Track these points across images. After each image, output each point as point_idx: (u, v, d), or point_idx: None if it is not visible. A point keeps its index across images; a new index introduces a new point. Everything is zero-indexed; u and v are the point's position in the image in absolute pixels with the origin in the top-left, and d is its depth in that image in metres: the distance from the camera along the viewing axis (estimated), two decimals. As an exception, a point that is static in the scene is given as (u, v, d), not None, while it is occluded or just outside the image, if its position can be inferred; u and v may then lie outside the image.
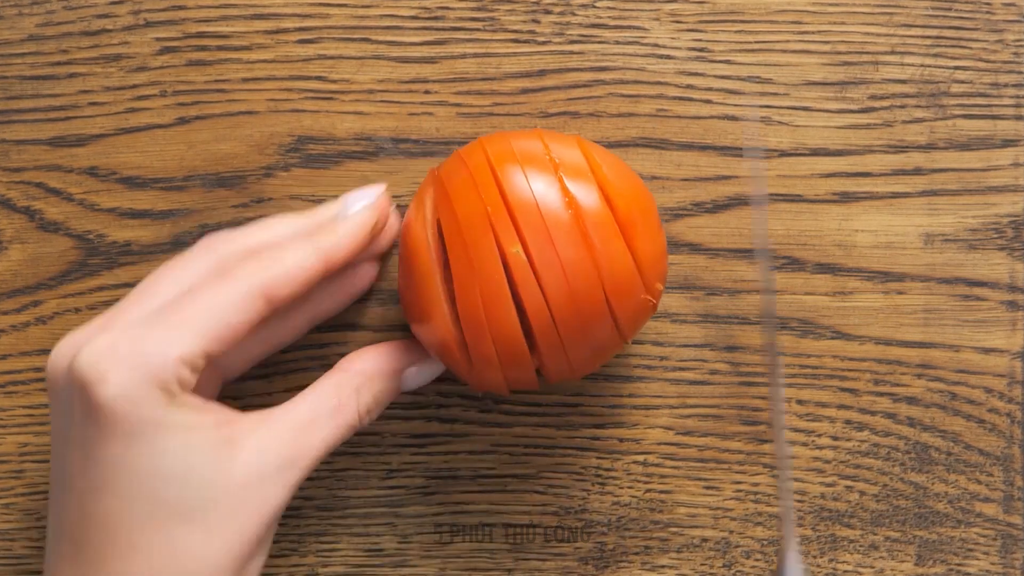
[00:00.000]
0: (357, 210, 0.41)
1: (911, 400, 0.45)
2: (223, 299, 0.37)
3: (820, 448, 0.45)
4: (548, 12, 0.44)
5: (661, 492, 0.45)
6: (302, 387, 0.45)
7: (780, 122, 0.45)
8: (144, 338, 0.36)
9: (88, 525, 0.36)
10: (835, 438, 0.45)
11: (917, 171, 0.45)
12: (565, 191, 0.38)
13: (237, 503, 0.37)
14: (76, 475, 0.36)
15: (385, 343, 0.42)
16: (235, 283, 0.38)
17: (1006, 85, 0.45)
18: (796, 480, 0.45)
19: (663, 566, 0.45)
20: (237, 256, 0.39)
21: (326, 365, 0.45)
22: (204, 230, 0.44)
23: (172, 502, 0.36)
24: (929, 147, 0.45)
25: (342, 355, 0.45)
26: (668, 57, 0.45)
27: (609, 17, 0.44)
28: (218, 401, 0.41)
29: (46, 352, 0.45)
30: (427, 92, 0.45)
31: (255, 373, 0.45)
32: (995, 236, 0.45)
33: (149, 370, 0.36)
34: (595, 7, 0.44)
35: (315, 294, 0.43)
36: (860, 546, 0.45)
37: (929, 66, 0.45)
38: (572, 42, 0.44)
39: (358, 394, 0.40)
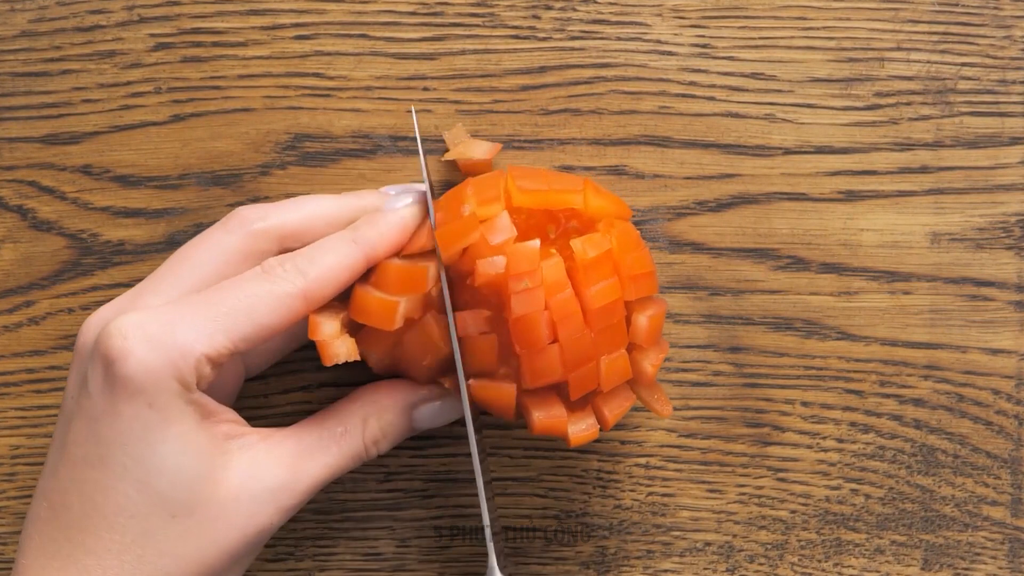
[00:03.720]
0: (406, 205, 0.40)
1: (917, 402, 0.45)
2: (260, 300, 0.37)
3: (825, 451, 0.45)
4: (549, 8, 0.44)
5: (663, 495, 0.45)
6: (298, 387, 0.44)
7: (784, 119, 0.44)
8: (174, 324, 0.36)
9: (72, 493, 0.36)
10: (840, 440, 0.45)
11: (923, 169, 0.45)
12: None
13: (220, 514, 0.37)
14: (76, 443, 0.36)
15: (400, 379, 0.41)
16: (274, 284, 0.37)
17: (1014, 82, 0.44)
18: (801, 483, 0.45)
19: (666, 570, 0.45)
20: (270, 237, 0.39)
21: (322, 366, 0.44)
22: (199, 230, 0.44)
23: (159, 493, 0.36)
24: (936, 145, 0.45)
25: (339, 356, 0.44)
26: (670, 54, 0.44)
27: (611, 13, 0.44)
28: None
29: (39, 353, 0.44)
30: (426, 89, 0.44)
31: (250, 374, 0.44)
32: (1003, 235, 0.45)
33: (172, 358, 0.36)
34: (596, 3, 0.44)
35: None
36: (866, 550, 0.45)
37: (936, 63, 0.44)
38: (573, 38, 0.44)
39: (365, 424, 0.40)
